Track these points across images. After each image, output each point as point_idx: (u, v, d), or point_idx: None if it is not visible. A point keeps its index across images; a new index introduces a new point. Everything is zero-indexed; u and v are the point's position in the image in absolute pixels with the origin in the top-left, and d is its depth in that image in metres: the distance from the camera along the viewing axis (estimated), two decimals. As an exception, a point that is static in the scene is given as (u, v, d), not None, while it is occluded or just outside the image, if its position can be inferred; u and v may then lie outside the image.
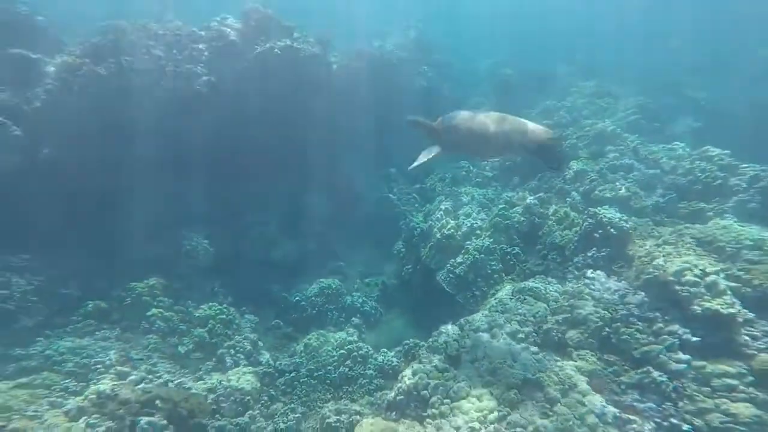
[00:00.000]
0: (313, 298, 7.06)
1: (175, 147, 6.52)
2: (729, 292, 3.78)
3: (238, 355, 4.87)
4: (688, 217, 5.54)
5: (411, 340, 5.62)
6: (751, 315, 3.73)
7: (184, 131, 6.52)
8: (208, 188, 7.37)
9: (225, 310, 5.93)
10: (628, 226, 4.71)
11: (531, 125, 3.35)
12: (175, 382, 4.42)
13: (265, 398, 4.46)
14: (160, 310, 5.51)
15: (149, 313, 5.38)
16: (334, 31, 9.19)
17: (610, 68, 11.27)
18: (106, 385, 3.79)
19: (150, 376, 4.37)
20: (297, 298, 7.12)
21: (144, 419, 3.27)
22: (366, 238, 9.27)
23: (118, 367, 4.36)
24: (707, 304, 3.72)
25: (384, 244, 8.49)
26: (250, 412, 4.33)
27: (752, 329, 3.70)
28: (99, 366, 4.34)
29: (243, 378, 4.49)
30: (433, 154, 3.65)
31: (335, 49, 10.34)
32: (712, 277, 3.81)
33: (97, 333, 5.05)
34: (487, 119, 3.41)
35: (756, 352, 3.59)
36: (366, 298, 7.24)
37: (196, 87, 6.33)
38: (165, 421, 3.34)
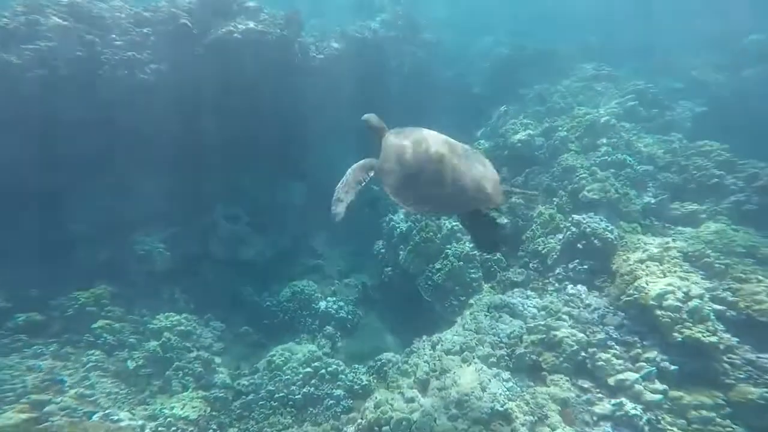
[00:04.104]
0: (285, 303, 6.88)
1: (122, 142, 6.09)
2: (712, 318, 3.59)
3: (187, 378, 4.68)
4: (679, 220, 5.31)
5: (384, 355, 5.50)
6: (734, 341, 3.56)
7: (133, 124, 6.05)
8: (166, 184, 6.99)
9: (183, 320, 5.74)
10: (612, 236, 4.46)
11: (494, 173, 2.50)
12: (104, 413, 4.09)
13: (214, 426, 4.26)
14: (108, 321, 5.26)
15: (94, 326, 5.12)
16: (317, 8, 8.45)
17: (618, 49, 10.58)
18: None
19: (76, 404, 4.03)
20: (268, 303, 6.94)
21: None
22: (347, 232, 8.99)
23: (35, 396, 3.96)
24: (688, 332, 3.55)
25: (366, 238, 8.23)
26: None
27: (734, 356, 3.55)
28: (10, 394, 3.87)
29: (189, 405, 4.31)
30: (358, 182, 2.67)
31: (315, 29, 9.67)
32: (695, 303, 3.61)
33: (26, 350, 4.66)
34: (448, 149, 2.50)
35: (735, 382, 3.45)
36: (343, 302, 7.07)
37: (141, 76, 5.79)
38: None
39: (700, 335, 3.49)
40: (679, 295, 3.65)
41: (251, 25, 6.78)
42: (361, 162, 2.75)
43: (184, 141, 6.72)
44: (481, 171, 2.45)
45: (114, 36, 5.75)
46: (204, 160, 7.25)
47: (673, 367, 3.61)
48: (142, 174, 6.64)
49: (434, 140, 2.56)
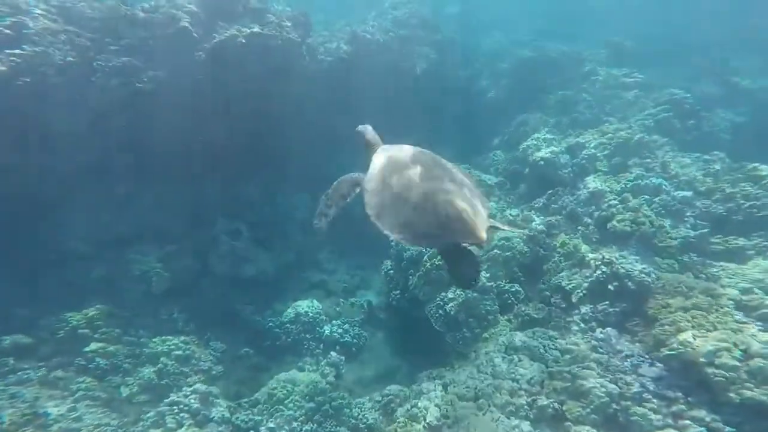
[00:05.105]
0: (288, 324, 6.64)
1: (118, 153, 5.87)
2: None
3: (182, 414, 4.47)
4: (722, 255, 4.86)
5: (390, 389, 5.22)
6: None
7: (129, 134, 5.82)
8: (165, 197, 6.76)
9: (181, 344, 5.56)
10: (649, 280, 4.06)
11: (483, 203, 2.30)
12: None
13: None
14: (102, 344, 5.09)
15: (87, 349, 4.95)
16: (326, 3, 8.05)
17: (649, 50, 9.87)
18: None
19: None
20: (270, 324, 6.71)
21: None
22: (354, 245, 8.70)
23: (11, 434, 3.75)
24: (749, 393, 3.17)
25: (373, 251, 7.92)
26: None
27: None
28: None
29: (184, 444, 4.10)
30: (343, 197, 2.51)
31: (323, 27, 9.31)
32: (759, 362, 3.21)
33: (11, 376, 4.46)
34: (437, 174, 2.28)
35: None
36: (348, 325, 6.80)
37: (138, 84, 5.50)
38: None
39: (766, 398, 3.10)
40: (736, 352, 3.27)
41: (256, 28, 6.44)
42: (348, 176, 2.60)
43: (183, 151, 6.47)
44: (469, 203, 2.21)
45: (109, 40, 5.46)
46: (204, 171, 7.00)
47: (728, 429, 3.24)
48: (138, 186, 6.42)
49: (424, 163, 2.34)
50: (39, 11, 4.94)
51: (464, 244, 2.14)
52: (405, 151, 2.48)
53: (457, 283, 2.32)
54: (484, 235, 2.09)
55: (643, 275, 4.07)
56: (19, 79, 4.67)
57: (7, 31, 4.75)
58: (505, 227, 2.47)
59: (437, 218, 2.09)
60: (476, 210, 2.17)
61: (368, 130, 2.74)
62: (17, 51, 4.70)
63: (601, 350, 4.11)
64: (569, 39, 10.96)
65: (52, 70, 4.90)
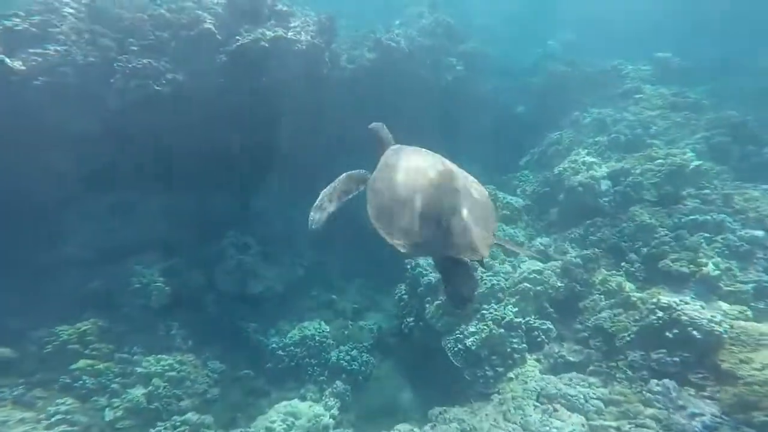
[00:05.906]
0: (292, 347, 6.24)
1: (129, 158, 5.74)
2: None
3: (170, 451, 4.11)
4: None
5: (401, 429, 4.72)
6: None
7: (142, 138, 5.69)
8: (173, 206, 6.59)
9: (176, 365, 5.26)
10: (721, 330, 3.49)
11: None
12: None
13: None
14: (92, 361, 4.83)
15: (74, 366, 4.70)
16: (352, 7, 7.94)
17: (698, 67, 9.24)
18: None
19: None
20: (273, 345, 6.33)
21: None
22: (365, 262, 8.32)
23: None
24: None
25: (385, 270, 7.50)
26: None
27: None
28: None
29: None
30: (345, 192, 2.43)
31: (347, 34, 9.23)
32: None
33: None
34: (446, 180, 2.15)
35: None
36: (356, 351, 6.34)
37: (156, 87, 5.39)
38: None
39: None
40: None
41: (280, 32, 6.32)
42: (354, 172, 2.55)
43: (196, 158, 6.30)
44: (476, 215, 2.10)
45: (132, 40, 5.40)
46: (216, 181, 6.81)
47: None
48: (146, 193, 6.26)
49: (433, 168, 2.20)
50: (68, 10, 4.92)
51: (464, 259, 2.00)
52: (416, 153, 2.39)
53: (451, 300, 2.12)
54: (485, 251, 1.99)
55: (713, 324, 3.50)
56: (37, 78, 4.61)
57: (34, 29, 4.72)
58: (513, 247, 2.15)
59: (438, 228, 1.98)
60: (481, 223, 2.05)
61: (381, 128, 2.70)
62: (39, 50, 4.67)
63: (658, 404, 3.54)
64: (608, 54, 10.48)
65: (72, 71, 4.85)
